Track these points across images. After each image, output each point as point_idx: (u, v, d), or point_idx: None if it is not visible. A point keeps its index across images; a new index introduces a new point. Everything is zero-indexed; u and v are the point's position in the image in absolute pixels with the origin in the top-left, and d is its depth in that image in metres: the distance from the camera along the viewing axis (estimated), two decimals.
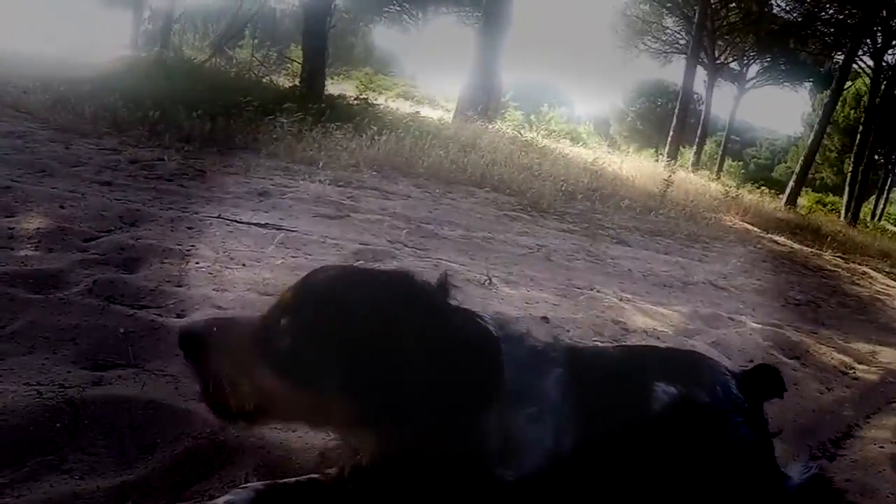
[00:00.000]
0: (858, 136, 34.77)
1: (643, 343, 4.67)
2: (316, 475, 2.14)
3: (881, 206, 49.61)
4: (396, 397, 1.56)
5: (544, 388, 1.79)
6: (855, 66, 34.59)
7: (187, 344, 1.79)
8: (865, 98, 37.59)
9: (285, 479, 2.12)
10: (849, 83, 36.94)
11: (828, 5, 36.21)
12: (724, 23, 40.50)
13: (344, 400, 1.64)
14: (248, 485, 2.06)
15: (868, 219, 38.95)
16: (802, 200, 34.73)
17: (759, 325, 5.97)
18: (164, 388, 2.69)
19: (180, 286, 4.03)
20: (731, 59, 45.01)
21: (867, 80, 36.64)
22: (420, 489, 1.70)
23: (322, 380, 1.64)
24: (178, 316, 3.56)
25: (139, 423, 2.40)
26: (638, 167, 22.20)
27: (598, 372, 2.04)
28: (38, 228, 4.54)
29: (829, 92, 32.14)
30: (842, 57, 33.17)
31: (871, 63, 35.92)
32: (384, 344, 1.60)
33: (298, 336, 1.67)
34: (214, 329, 1.80)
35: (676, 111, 35.75)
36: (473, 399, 1.61)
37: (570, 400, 1.79)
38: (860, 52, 34.10)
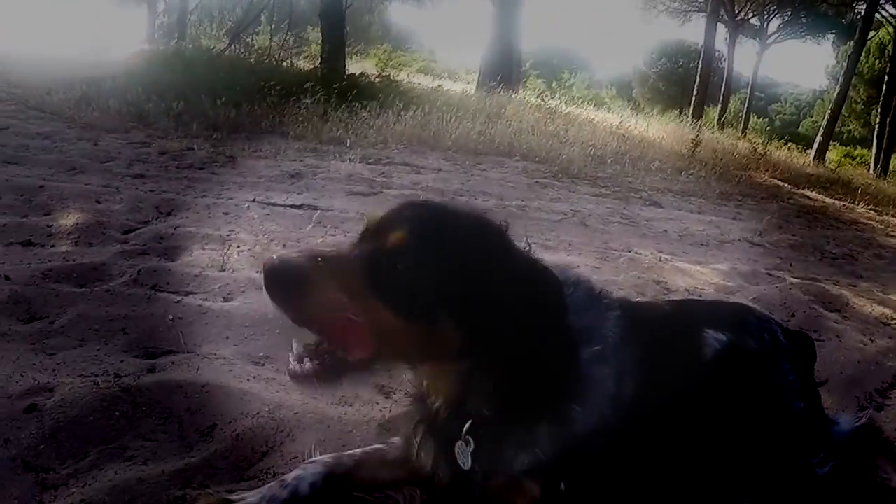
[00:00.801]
0: (885, 87, 34.02)
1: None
2: (381, 445, 2.16)
3: None
4: (494, 327, 1.59)
5: (604, 328, 1.82)
6: (878, 15, 33.86)
7: (273, 283, 1.54)
8: (890, 47, 36.74)
9: (351, 451, 2.13)
10: (872, 33, 36.13)
11: None
12: None
13: (449, 330, 1.63)
14: (316, 458, 2.07)
15: None
16: (831, 154, 34.17)
17: (798, 280, 5.93)
18: (218, 371, 2.72)
19: (223, 270, 4.06)
20: (751, 14, 44.27)
21: (890, 30, 35.92)
22: (501, 427, 1.74)
23: (432, 312, 1.62)
24: (225, 300, 3.60)
25: (196, 407, 2.43)
26: (664, 129, 21.98)
27: (651, 318, 2.09)
28: (77, 224, 4.58)
29: (852, 43, 31.53)
30: (864, 7, 32.53)
31: (893, 12, 35.20)
32: (485, 277, 1.63)
33: (413, 272, 1.60)
34: (306, 262, 1.58)
35: (699, 70, 35.28)
36: (554, 332, 1.65)
37: (629, 341, 1.82)
38: (882, 1, 33.40)
